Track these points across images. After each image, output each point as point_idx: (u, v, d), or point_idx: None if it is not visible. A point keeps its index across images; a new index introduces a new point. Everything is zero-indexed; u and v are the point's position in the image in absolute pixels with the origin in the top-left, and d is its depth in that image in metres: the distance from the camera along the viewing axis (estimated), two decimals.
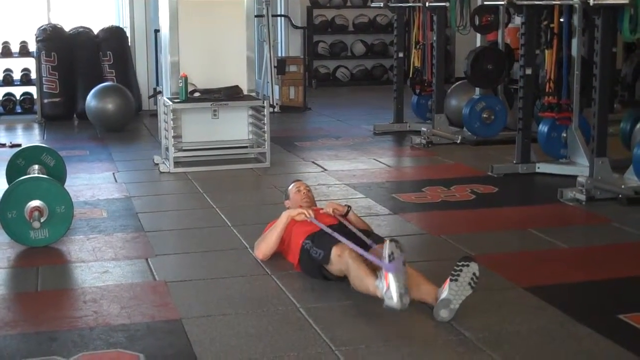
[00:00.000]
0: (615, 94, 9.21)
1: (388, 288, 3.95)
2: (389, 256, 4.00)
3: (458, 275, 3.88)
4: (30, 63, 11.43)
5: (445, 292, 3.89)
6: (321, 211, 4.90)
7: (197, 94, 7.83)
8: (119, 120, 10.13)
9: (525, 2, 7.22)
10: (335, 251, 4.36)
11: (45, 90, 11.05)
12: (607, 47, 6.39)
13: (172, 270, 4.83)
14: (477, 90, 8.92)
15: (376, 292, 4.03)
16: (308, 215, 4.76)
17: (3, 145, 9.09)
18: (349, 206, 4.99)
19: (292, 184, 5.26)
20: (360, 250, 4.30)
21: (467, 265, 3.89)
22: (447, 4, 8.92)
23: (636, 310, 4.04)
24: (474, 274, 3.89)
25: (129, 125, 10.34)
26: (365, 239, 4.46)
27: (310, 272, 4.57)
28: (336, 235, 4.47)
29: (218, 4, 8.13)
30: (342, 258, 4.30)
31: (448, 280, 3.91)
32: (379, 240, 4.47)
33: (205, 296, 4.35)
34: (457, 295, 3.87)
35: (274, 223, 4.92)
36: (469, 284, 3.88)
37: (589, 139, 6.71)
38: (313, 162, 8.06)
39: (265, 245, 4.88)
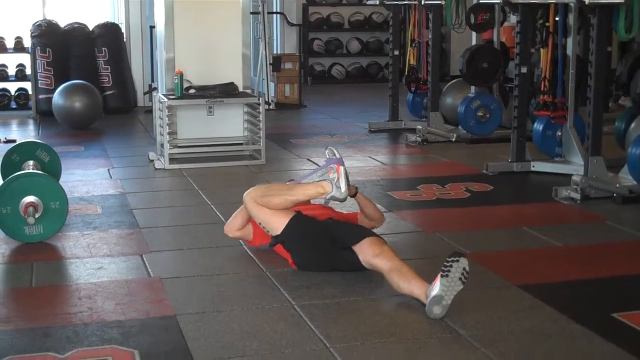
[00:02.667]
0: (610, 94, 9.24)
1: (339, 179, 4.51)
2: (335, 154, 4.66)
3: (448, 271, 3.89)
4: (25, 59, 11.41)
5: (436, 289, 3.90)
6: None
7: (192, 91, 7.82)
8: (85, 118, 10.07)
9: (521, 1, 7.21)
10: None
11: (40, 86, 11.02)
12: (603, 46, 6.40)
13: (166, 266, 4.83)
14: (473, 88, 8.94)
15: (319, 190, 4.61)
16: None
17: None
18: (356, 187, 5.01)
19: (289, 182, 5.26)
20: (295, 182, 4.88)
21: (457, 261, 3.90)
22: (443, 2, 8.91)
23: (630, 308, 4.05)
24: (464, 269, 3.90)
25: (117, 121, 10.31)
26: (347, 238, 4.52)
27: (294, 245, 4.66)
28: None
29: (213, 0, 8.12)
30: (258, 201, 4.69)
31: (439, 276, 3.92)
32: (368, 234, 4.52)
33: (200, 293, 4.35)
34: (448, 291, 3.88)
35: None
36: (460, 279, 3.89)
37: (584, 138, 6.72)
38: (308, 159, 8.06)
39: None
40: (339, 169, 4.62)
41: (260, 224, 4.74)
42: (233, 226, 4.99)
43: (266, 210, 4.68)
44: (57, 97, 10.11)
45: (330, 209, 4.95)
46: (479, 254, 4.87)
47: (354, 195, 4.98)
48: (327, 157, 4.76)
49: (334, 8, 15.22)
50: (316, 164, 7.74)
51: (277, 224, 4.67)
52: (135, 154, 8.40)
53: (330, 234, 4.59)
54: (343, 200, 4.70)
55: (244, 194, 4.79)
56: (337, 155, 4.71)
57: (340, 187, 4.60)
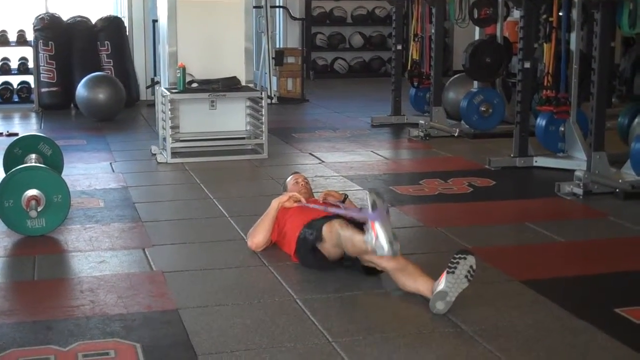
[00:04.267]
0: (613, 89, 9.21)
1: (377, 238, 4.05)
2: (372, 206, 4.11)
3: (455, 267, 3.88)
4: (27, 52, 11.40)
5: (441, 285, 3.89)
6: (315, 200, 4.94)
7: (194, 85, 7.81)
8: (109, 110, 10.14)
9: None
10: (326, 228, 4.42)
11: (42, 79, 11.03)
12: (606, 42, 6.39)
13: (169, 260, 4.82)
14: (475, 83, 8.93)
15: (367, 247, 4.12)
16: (296, 199, 4.78)
17: (0, 134, 9.07)
18: (345, 194, 5.00)
19: (290, 176, 5.27)
20: (344, 211, 4.52)
21: (465, 258, 3.89)
22: None
23: (633, 304, 4.05)
24: (471, 266, 3.89)
25: (120, 115, 10.33)
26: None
27: (306, 260, 4.56)
28: (329, 209, 4.59)
29: None
30: (332, 230, 4.37)
31: (445, 272, 3.91)
32: None
33: (202, 286, 4.35)
34: (453, 288, 3.87)
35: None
36: (466, 276, 3.88)
37: (587, 133, 6.71)
38: (310, 153, 8.05)
39: (256, 233, 4.87)
40: (374, 227, 4.06)
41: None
42: (260, 243, 4.88)
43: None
44: (80, 89, 10.20)
45: (336, 206, 4.87)
46: (481, 249, 4.87)
47: (343, 201, 4.95)
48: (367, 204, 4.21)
49: (336, 2, 15.19)
50: (318, 158, 7.74)
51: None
52: (138, 148, 8.40)
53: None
54: (395, 252, 4.09)
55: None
56: (371, 210, 4.10)
57: (383, 248, 4.04)
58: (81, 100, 10.21)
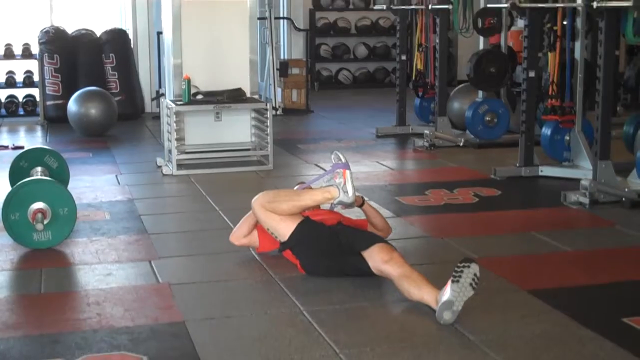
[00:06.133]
0: (618, 98, 9.21)
1: (345, 183, 4.54)
2: (341, 159, 4.68)
3: (459, 276, 3.88)
4: (33, 65, 11.44)
5: (447, 294, 3.89)
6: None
7: (199, 97, 7.83)
8: (101, 125, 10.03)
9: (529, 5, 7.21)
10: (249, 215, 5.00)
11: (48, 92, 11.06)
12: (611, 50, 6.39)
13: (175, 272, 4.82)
14: (480, 93, 8.93)
15: (326, 196, 4.63)
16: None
17: (6, 147, 9.09)
18: (363, 197, 5.02)
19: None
20: (318, 181, 4.96)
21: (468, 267, 3.89)
22: (450, 7, 8.92)
23: None
24: (475, 274, 3.89)
25: (124, 128, 10.33)
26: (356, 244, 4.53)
27: (306, 262, 4.63)
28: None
29: (221, 6, 8.14)
30: (253, 211, 4.77)
31: (449, 282, 3.91)
32: (378, 240, 4.52)
33: (209, 299, 4.35)
34: (459, 297, 3.86)
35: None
36: (471, 284, 3.88)
37: (592, 142, 6.70)
38: (316, 164, 8.06)
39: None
40: (345, 173, 4.62)
41: (268, 229, 4.74)
42: (239, 234, 4.99)
43: (274, 216, 4.67)
44: (72, 104, 10.08)
45: (339, 214, 4.95)
46: (488, 259, 4.86)
47: (361, 205, 4.99)
48: (333, 161, 4.76)
49: (340, 13, 15.22)
50: (324, 169, 7.73)
51: (285, 229, 4.66)
52: (143, 160, 8.41)
53: (339, 239, 4.59)
54: (351, 204, 4.69)
55: (252, 200, 4.79)
56: (343, 160, 4.71)
57: (347, 192, 4.60)
58: (72, 115, 10.03)
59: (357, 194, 4.94)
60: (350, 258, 4.48)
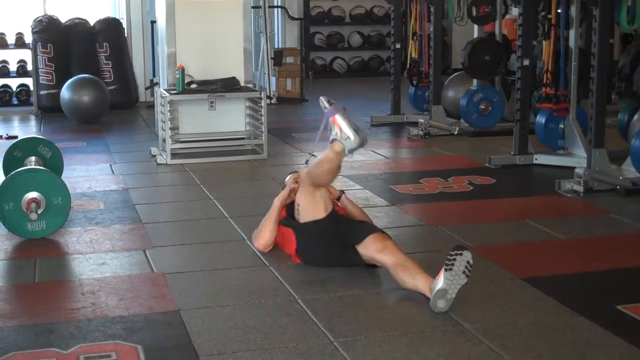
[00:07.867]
0: (613, 86, 9.20)
1: (341, 130, 4.17)
2: (328, 104, 4.32)
3: (452, 264, 3.88)
4: (26, 54, 11.39)
5: (440, 283, 3.89)
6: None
7: (193, 86, 7.81)
8: (94, 112, 10.06)
9: None
10: (290, 180, 4.93)
11: (41, 81, 11.03)
12: (605, 38, 6.38)
13: (169, 261, 4.82)
14: (475, 81, 8.93)
15: (336, 147, 4.25)
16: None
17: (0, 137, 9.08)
18: (342, 191, 4.99)
19: (289, 176, 5.25)
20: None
21: (461, 254, 3.89)
22: None
23: (635, 300, 4.04)
24: (467, 262, 3.89)
25: (118, 117, 10.31)
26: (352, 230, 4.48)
27: (306, 249, 4.59)
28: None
29: None
30: (299, 177, 4.64)
31: (442, 270, 3.90)
32: (372, 230, 4.47)
33: (203, 287, 4.35)
34: (452, 285, 3.87)
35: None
36: (464, 272, 3.88)
37: (587, 130, 6.71)
38: (310, 153, 8.02)
39: (262, 234, 4.85)
40: (335, 120, 4.28)
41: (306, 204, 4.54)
42: (268, 242, 4.83)
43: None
44: (64, 91, 10.11)
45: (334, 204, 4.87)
46: (482, 247, 4.87)
47: (338, 199, 4.94)
48: (323, 110, 4.45)
49: (335, 2, 15.20)
50: None
51: (312, 212, 4.51)
52: (138, 150, 8.39)
53: (341, 232, 4.53)
54: (361, 145, 4.31)
55: (305, 171, 4.61)
56: (328, 105, 4.38)
57: (349, 138, 4.23)
58: (65, 103, 10.07)
59: (340, 190, 4.96)
60: (347, 251, 4.46)
